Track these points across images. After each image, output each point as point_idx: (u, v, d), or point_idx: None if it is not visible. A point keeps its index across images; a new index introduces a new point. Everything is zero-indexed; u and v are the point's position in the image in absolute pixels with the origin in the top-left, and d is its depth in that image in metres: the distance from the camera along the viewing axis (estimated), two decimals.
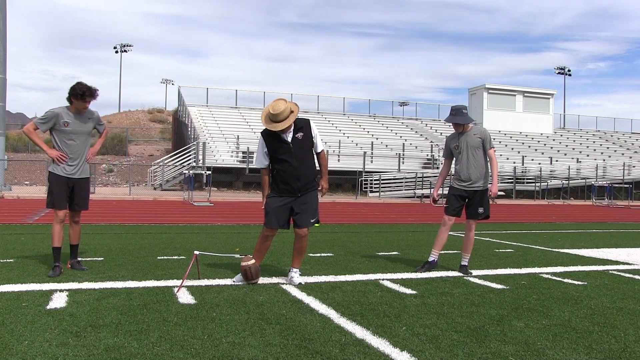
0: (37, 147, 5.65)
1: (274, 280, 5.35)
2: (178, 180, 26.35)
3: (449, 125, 40.06)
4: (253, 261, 5.14)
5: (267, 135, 5.24)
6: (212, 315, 4.00)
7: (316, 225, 5.41)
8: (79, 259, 5.87)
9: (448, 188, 6.27)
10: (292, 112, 5.14)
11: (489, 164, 6.10)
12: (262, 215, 5.35)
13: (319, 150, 5.43)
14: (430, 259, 6.15)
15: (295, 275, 5.28)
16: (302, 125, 5.27)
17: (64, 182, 5.54)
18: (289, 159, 5.17)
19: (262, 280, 5.27)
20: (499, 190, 29.02)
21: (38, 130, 5.53)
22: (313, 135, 5.33)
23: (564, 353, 3.35)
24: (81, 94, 5.44)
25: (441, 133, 37.60)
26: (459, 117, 6.00)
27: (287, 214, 5.25)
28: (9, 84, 38.05)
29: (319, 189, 5.48)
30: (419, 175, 28.15)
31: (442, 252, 6.77)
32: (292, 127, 5.20)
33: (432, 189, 24.85)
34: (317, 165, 5.48)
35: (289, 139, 5.19)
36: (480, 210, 6.02)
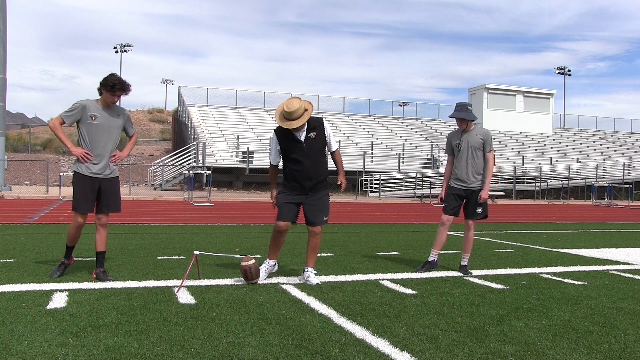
0: (63, 145, 5.21)
1: (274, 280, 5.35)
2: (178, 180, 26.36)
3: (449, 125, 40.13)
4: (253, 261, 5.15)
5: (280, 133, 5.27)
6: (212, 315, 4.00)
7: (325, 218, 5.44)
8: (108, 274, 5.32)
9: (446, 187, 6.24)
10: (306, 110, 5.16)
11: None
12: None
13: (333, 150, 5.47)
14: (430, 258, 6.14)
15: (312, 275, 5.29)
16: (316, 125, 5.28)
17: (89, 183, 5.15)
18: (302, 159, 5.19)
19: (262, 280, 5.27)
20: (498, 191, 29.20)
21: (65, 125, 5.17)
22: (326, 134, 5.34)
23: (564, 353, 3.35)
24: (112, 85, 5.06)
25: (441, 133, 37.61)
26: (464, 113, 5.97)
27: (296, 208, 5.30)
28: (9, 84, 38.05)
29: (338, 183, 5.52)
30: (419, 175, 28.16)
31: (442, 252, 6.76)
32: (306, 126, 5.21)
33: (431, 189, 24.86)
34: (330, 164, 5.52)
35: (302, 138, 5.20)
36: (479, 210, 6.02)
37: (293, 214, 5.29)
